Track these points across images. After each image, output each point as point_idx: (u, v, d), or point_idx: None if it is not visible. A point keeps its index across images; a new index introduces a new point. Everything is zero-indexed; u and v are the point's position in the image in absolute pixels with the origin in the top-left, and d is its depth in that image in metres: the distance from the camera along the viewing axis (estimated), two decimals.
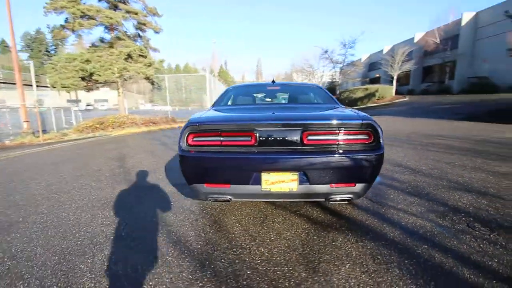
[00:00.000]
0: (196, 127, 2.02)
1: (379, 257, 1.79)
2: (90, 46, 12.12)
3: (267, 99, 3.06)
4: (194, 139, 2.04)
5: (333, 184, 1.97)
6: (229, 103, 3.00)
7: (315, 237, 2.07)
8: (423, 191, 2.95)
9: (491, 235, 2.00)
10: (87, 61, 10.58)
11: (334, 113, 2.27)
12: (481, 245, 1.87)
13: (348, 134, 1.97)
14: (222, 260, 1.79)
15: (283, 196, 2.05)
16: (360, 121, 1.95)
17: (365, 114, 2.07)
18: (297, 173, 1.94)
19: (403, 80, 29.84)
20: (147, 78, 12.37)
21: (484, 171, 3.63)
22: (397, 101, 22.19)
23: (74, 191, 3.33)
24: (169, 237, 2.12)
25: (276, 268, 1.70)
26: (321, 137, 1.97)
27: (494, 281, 1.51)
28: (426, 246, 1.88)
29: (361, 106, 22.70)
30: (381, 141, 1.96)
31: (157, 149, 6.19)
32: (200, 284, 1.57)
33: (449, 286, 1.50)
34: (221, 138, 2.01)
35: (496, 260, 1.70)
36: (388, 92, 23.16)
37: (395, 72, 24.91)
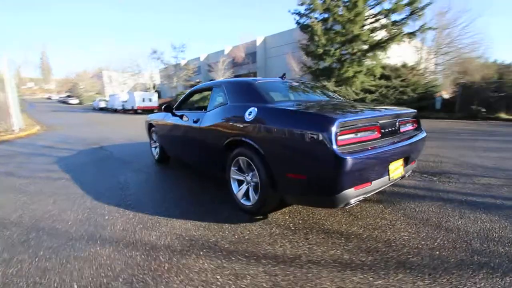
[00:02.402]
0: (343, 124, 1.75)
1: (458, 210, 2.47)
2: None
3: (299, 95, 2.87)
4: (340, 138, 1.74)
5: (412, 163, 2.43)
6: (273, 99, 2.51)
7: (413, 211, 2.41)
8: None
9: (447, 180, 3.32)
10: None
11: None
12: (446, 184, 3.10)
13: (413, 122, 2.51)
14: (413, 258, 1.74)
15: (395, 181, 2.23)
16: (415, 112, 2.54)
17: None
18: (403, 158, 2.22)
19: None
20: None
21: None
22: None
23: None
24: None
25: (448, 239, 1.92)
26: (406, 126, 2.37)
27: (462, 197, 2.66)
28: (445, 196, 2.83)
29: None
30: (422, 126, 2.65)
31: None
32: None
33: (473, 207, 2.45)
34: (359, 135, 1.88)
35: (454, 185, 2.93)
36: None
37: (220, 78, 28.38)
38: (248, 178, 2.39)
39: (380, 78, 15.52)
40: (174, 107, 3.69)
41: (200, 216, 2.41)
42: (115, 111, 26.78)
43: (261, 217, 2.35)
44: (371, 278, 1.54)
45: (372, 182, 1.93)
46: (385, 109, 2.36)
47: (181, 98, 3.77)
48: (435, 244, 1.88)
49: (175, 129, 3.59)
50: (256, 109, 2.22)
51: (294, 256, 1.78)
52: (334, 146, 1.66)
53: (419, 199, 2.69)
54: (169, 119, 3.77)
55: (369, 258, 1.74)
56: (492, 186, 3.00)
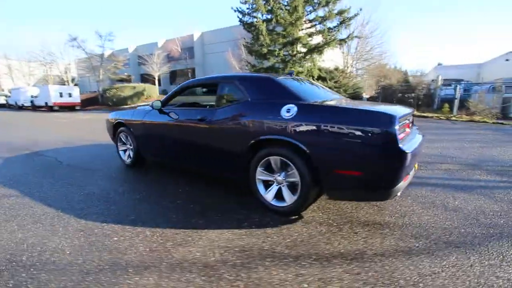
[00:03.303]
0: (400, 121, 1.88)
1: (449, 193, 2.91)
2: None
3: (318, 93, 2.81)
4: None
5: None
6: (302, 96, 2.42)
7: (417, 197, 2.74)
8: None
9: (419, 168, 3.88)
10: None
11: None
12: (420, 171, 3.65)
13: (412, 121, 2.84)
14: (451, 238, 1.98)
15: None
16: (414, 110, 2.89)
17: None
18: None
19: (154, 81, 31.88)
20: None
21: None
22: None
23: None
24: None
25: (461, 218, 2.25)
26: (412, 123, 2.66)
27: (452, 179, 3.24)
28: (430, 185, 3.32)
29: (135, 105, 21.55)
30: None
31: None
32: None
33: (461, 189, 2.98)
34: (401, 130, 2.04)
35: (438, 170, 3.51)
36: (153, 91, 23.90)
37: (156, 73, 26.16)
38: (280, 178, 2.30)
39: (317, 79, 16.98)
40: (161, 103, 3.23)
41: (232, 223, 2.21)
42: (20, 107, 21.84)
43: (296, 217, 2.30)
44: (436, 261, 1.70)
45: (409, 173, 2.12)
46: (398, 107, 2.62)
47: (169, 94, 3.33)
48: (456, 223, 2.19)
49: (167, 129, 3.17)
50: (295, 106, 2.14)
51: (358, 251, 1.81)
52: (400, 143, 1.75)
53: (412, 185, 3.07)
54: (154, 118, 3.30)
55: (420, 242, 1.91)
56: (453, 170, 3.67)
